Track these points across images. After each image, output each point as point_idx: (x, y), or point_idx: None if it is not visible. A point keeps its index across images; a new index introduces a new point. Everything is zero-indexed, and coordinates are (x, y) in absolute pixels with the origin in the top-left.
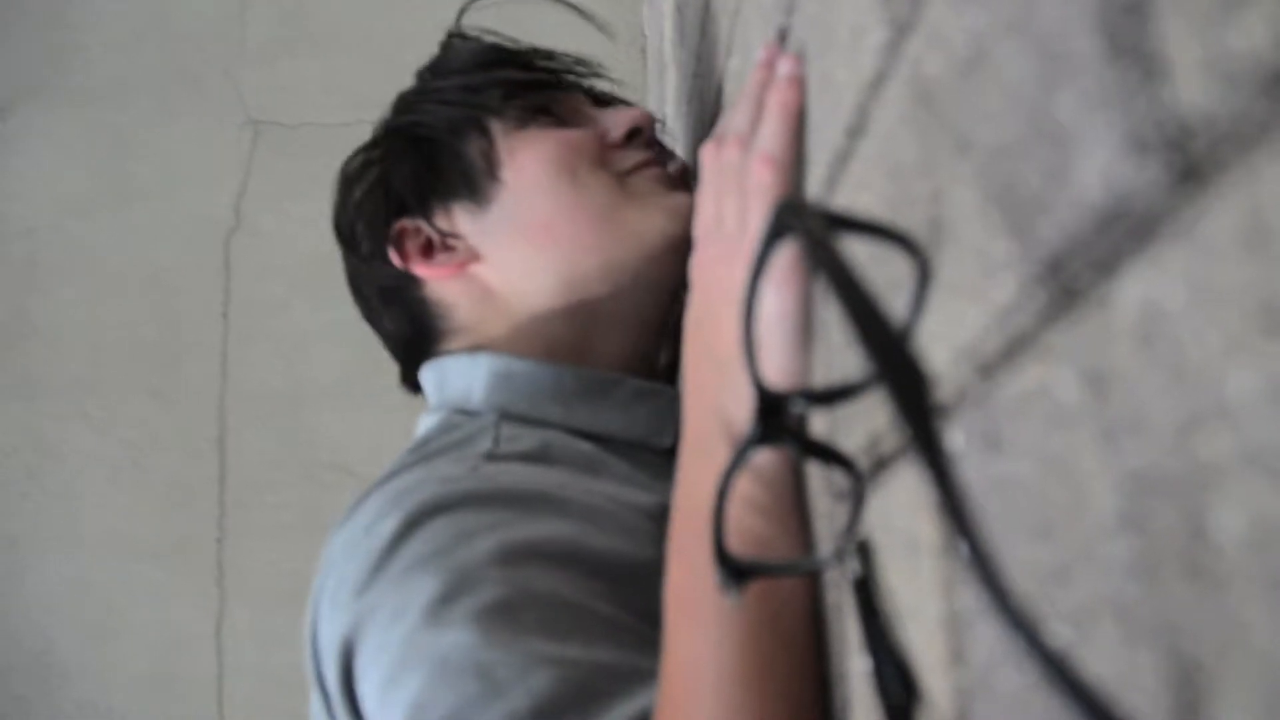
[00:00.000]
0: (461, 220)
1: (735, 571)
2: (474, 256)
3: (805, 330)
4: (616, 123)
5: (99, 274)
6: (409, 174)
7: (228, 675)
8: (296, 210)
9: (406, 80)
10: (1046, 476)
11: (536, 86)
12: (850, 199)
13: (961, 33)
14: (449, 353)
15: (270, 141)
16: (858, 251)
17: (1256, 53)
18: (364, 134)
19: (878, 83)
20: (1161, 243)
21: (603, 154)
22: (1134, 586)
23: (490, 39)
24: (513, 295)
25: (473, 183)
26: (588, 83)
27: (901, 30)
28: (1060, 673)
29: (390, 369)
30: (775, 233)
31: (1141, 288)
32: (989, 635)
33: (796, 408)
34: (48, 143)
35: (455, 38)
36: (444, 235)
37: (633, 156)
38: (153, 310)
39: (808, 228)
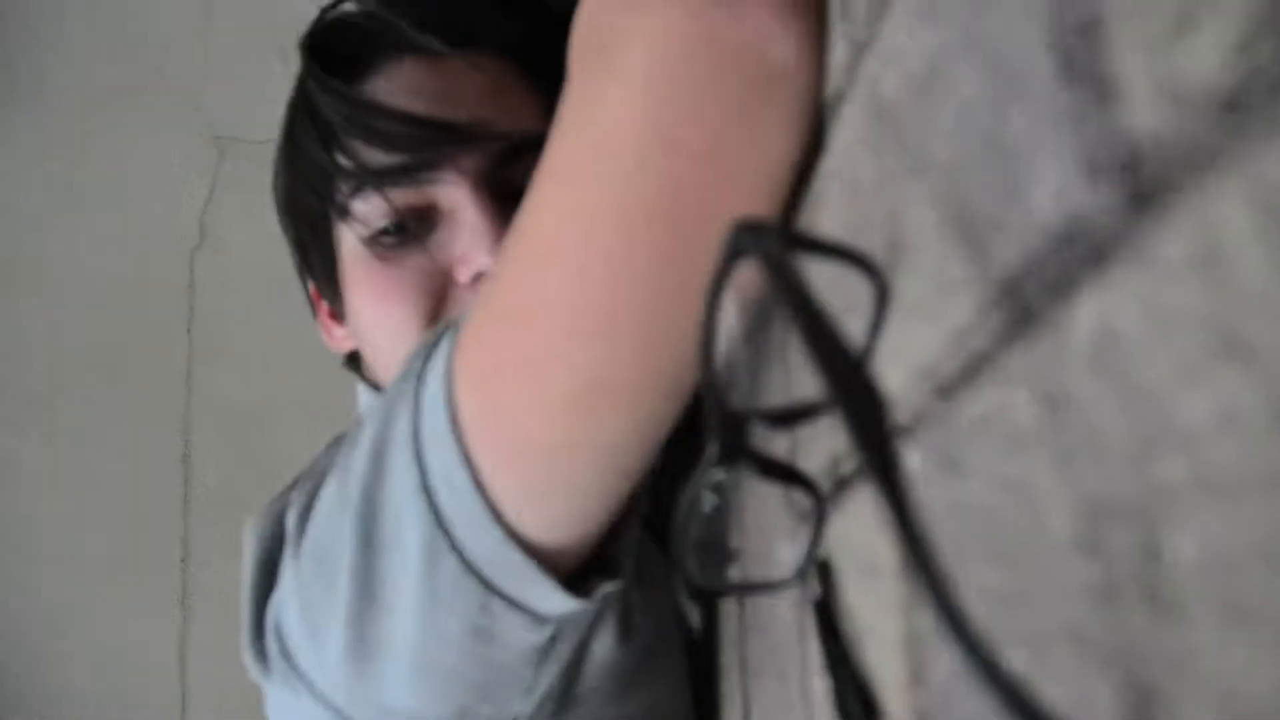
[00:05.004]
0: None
1: (700, 592)
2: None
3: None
4: (467, 261)
5: (57, 287)
6: (304, 249)
7: (191, 696)
8: (263, 226)
9: None
10: (1004, 500)
11: (391, 179)
12: (809, 218)
13: (917, 51)
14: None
15: (236, 156)
16: (816, 273)
17: (1206, 77)
18: None
19: (837, 101)
20: (1115, 265)
21: (440, 298)
22: (1090, 611)
23: (349, 94)
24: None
25: (333, 296)
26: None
27: (859, 49)
28: (1016, 700)
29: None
30: (733, 252)
31: (1095, 310)
32: (947, 656)
33: (756, 428)
34: (2, 151)
35: (312, 80)
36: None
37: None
38: (114, 325)
39: (766, 248)
